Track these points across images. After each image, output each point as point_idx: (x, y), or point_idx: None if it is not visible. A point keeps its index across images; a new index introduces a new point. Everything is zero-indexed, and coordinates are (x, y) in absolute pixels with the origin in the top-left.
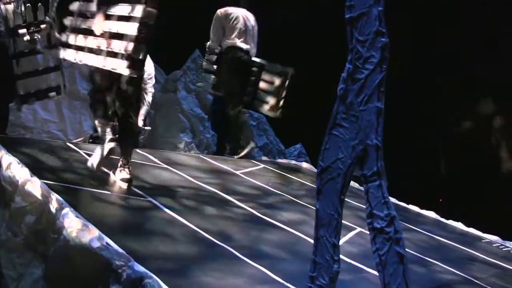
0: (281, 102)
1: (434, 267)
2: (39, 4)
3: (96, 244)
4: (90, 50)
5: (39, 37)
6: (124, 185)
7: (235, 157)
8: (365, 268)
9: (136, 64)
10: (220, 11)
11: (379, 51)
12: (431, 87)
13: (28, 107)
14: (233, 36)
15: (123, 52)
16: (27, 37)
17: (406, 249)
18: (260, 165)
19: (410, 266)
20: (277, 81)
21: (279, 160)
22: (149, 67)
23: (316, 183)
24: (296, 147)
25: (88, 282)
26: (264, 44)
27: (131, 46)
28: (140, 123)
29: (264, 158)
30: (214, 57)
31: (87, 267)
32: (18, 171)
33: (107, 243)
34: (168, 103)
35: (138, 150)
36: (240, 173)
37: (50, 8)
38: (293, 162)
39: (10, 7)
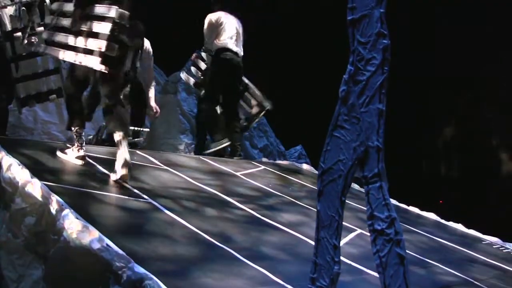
0: (250, 127)
1: (435, 268)
2: (34, 7)
3: (96, 246)
4: (68, 47)
5: (37, 40)
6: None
7: (208, 151)
8: (365, 269)
9: (109, 61)
10: (212, 15)
11: (381, 52)
12: (431, 87)
13: (28, 108)
14: (224, 38)
15: (97, 50)
16: (24, 41)
17: (407, 251)
18: (260, 166)
19: (410, 267)
20: (254, 109)
21: (280, 162)
22: (147, 44)
23: (317, 184)
24: (296, 149)
25: (88, 284)
26: (265, 45)
27: (104, 44)
28: (153, 104)
29: (264, 159)
30: (209, 58)
31: (87, 268)
32: (19, 173)
33: (107, 244)
34: (168, 104)
35: (138, 152)
36: (240, 174)
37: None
38: (294, 163)
39: (7, 11)
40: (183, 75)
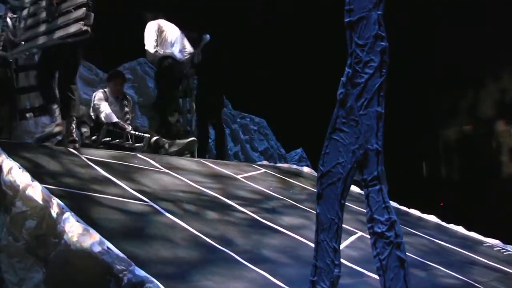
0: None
1: (435, 271)
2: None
3: (97, 249)
4: (44, 33)
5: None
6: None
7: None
8: (366, 272)
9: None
10: (152, 24)
11: (379, 55)
12: (431, 87)
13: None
14: (167, 46)
15: (75, 18)
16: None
17: (407, 253)
18: (261, 169)
19: (411, 270)
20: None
21: (280, 165)
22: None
23: (316, 187)
24: (297, 152)
25: (89, 287)
26: (265, 47)
27: (82, 12)
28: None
29: (265, 162)
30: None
31: (88, 271)
32: (19, 176)
33: (108, 247)
34: None
35: (139, 155)
36: (241, 177)
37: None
38: (294, 166)
39: (9, 21)
40: None
